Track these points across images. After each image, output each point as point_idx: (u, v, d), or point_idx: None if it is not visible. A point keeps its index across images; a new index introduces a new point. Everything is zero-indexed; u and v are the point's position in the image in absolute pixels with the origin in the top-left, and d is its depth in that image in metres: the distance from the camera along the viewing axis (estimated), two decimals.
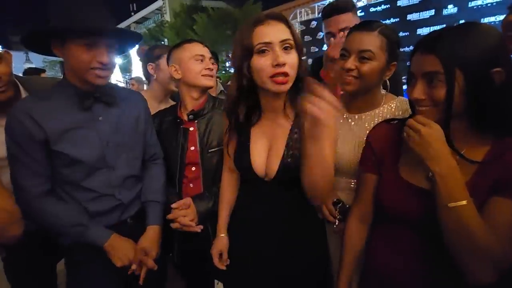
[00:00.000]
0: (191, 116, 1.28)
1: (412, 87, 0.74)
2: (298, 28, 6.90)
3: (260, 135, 1.00)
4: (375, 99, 1.06)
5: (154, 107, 1.50)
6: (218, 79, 2.26)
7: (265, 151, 0.98)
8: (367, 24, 1.00)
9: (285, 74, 0.84)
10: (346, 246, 0.95)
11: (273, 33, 0.84)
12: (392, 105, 1.05)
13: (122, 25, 34.54)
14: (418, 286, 0.79)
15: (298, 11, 7.87)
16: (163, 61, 1.60)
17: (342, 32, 1.43)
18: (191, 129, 1.28)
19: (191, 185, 1.28)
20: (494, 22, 3.74)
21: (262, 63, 0.84)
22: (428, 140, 0.69)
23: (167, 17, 24.07)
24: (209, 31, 13.76)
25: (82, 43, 0.93)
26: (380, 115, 1.04)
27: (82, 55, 0.94)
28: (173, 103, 1.74)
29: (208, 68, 1.28)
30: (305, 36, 6.58)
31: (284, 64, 0.83)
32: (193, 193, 1.27)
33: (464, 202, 0.65)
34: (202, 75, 1.27)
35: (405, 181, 0.81)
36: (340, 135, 1.08)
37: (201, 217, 1.21)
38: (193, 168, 1.27)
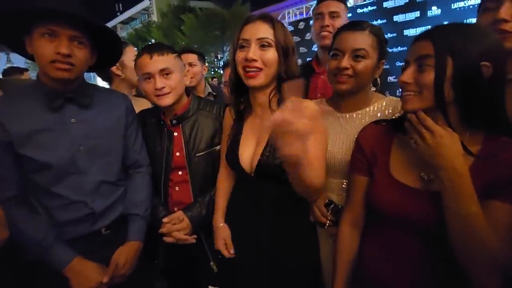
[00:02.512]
0: (174, 121, 1.21)
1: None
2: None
3: (250, 131, 1.04)
4: (366, 98, 1.07)
5: None
6: (213, 80, 2.23)
7: (253, 146, 1.00)
8: (357, 24, 1.01)
9: (257, 69, 0.92)
10: (340, 252, 0.94)
11: (253, 31, 0.93)
12: (382, 103, 1.06)
13: (108, 25, 33.88)
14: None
15: (286, 12, 7.90)
16: (126, 58, 1.52)
17: (329, 18, 1.51)
18: (176, 134, 1.22)
19: (176, 188, 1.23)
20: None
21: (238, 57, 0.95)
22: (439, 150, 0.68)
23: (154, 18, 23.79)
24: (196, 32, 13.65)
25: (41, 31, 0.87)
26: (371, 113, 1.05)
27: (42, 46, 0.88)
28: (141, 99, 1.66)
29: (157, 89, 1.12)
30: (294, 37, 6.57)
31: (254, 60, 0.91)
32: (179, 197, 1.22)
33: (474, 209, 0.65)
34: (155, 96, 1.14)
35: (397, 181, 0.81)
36: (331, 134, 1.08)
37: (194, 227, 1.18)
38: (180, 172, 1.22)
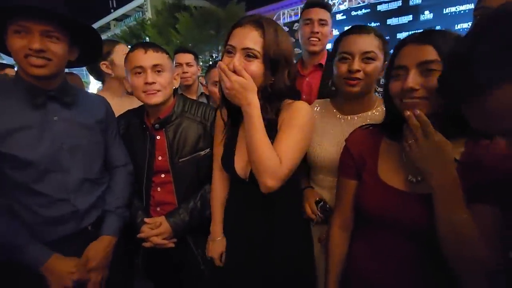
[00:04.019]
0: (157, 126, 1.17)
1: (404, 78, 0.74)
2: None
3: (244, 136, 1.00)
4: (370, 101, 1.10)
5: (119, 104, 1.42)
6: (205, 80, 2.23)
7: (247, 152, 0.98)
8: (362, 27, 1.04)
9: None
10: (331, 255, 0.95)
11: (240, 38, 0.86)
12: (383, 108, 1.07)
13: (101, 22, 33.48)
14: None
15: (281, 13, 7.92)
16: (116, 56, 1.51)
17: (318, 24, 1.57)
18: (158, 137, 1.19)
19: (158, 189, 1.21)
20: (467, 28, 3.91)
21: (224, 62, 0.87)
22: (432, 156, 0.68)
23: (149, 15, 23.57)
24: (191, 31, 13.56)
25: (14, 28, 0.87)
26: (373, 117, 1.07)
27: (15, 42, 0.87)
28: (132, 97, 1.67)
29: (147, 83, 1.09)
30: None
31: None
32: (161, 197, 1.21)
33: (463, 215, 0.66)
34: (143, 92, 1.11)
35: (385, 184, 0.81)
36: (331, 135, 1.11)
37: (177, 233, 1.17)
38: (163, 175, 1.20)
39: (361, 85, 1.02)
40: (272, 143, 0.87)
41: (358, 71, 1.00)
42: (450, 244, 0.68)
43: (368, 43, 1.00)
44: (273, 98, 0.91)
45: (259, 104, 0.84)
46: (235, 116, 1.00)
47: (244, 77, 0.82)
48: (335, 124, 1.12)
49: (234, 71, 0.84)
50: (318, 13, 1.58)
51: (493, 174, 0.67)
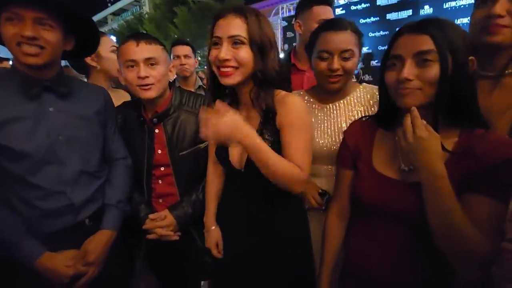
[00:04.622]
0: (155, 120, 1.17)
1: (400, 69, 0.73)
2: (280, 24, 6.88)
3: None
4: (347, 88, 1.18)
5: None
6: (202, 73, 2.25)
7: None
8: (338, 23, 1.08)
9: (232, 67, 0.87)
10: (326, 243, 0.98)
11: (224, 28, 0.87)
12: (359, 91, 1.18)
13: (99, 16, 33.11)
14: (397, 278, 0.79)
15: (280, 7, 7.86)
16: (102, 49, 1.46)
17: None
18: (157, 131, 1.18)
19: (159, 181, 1.21)
20: (467, 23, 3.89)
21: (211, 55, 0.89)
22: (418, 152, 0.69)
23: (146, 9, 23.35)
24: (190, 25, 13.45)
25: (6, 16, 0.85)
26: (352, 101, 1.17)
27: (8, 30, 0.86)
28: (120, 90, 1.63)
29: (140, 77, 1.07)
30: (287, 32, 6.56)
31: (227, 60, 0.86)
32: (162, 189, 1.21)
33: (452, 206, 0.66)
34: (138, 86, 1.09)
35: (379, 173, 0.83)
36: (315, 124, 1.16)
37: (181, 225, 1.17)
38: (162, 168, 1.20)
39: (341, 81, 1.10)
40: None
41: (338, 69, 1.06)
42: (440, 235, 0.69)
43: (346, 41, 1.05)
44: (266, 84, 0.90)
45: (254, 131, 0.84)
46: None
47: (227, 113, 0.79)
48: (318, 113, 1.19)
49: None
50: (327, 12, 1.56)
51: (486, 163, 0.67)
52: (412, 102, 0.73)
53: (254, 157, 0.84)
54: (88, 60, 1.51)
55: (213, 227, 1.11)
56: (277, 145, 0.91)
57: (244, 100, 0.99)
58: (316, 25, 1.56)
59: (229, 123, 0.79)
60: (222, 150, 1.02)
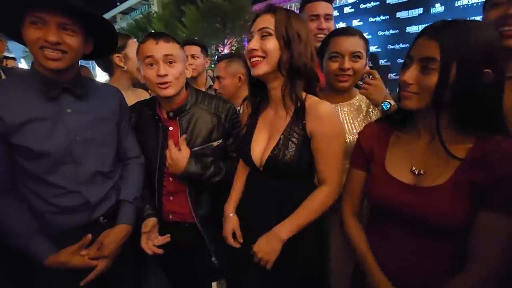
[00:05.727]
0: (171, 114, 1.19)
1: (405, 70, 0.75)
2: None
3: (263, 125, 1.06)
4: (351, 92, 1.30)
5: (125, 97, 1.43)
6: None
7: (265, 140, 1.02)
8: (348, 30, 1.21)
9: (259, 57, 0.96)
10: (355, 238, 0.92)
11: (257, 23, 0.98)
12: (360, 96, 1.28)
13: (107, 15, 33.40)
14: (408, 280, 0.80)
15: (288, 6, 7.83)
16: (129, 50, 1.52)
17: (324, 20, 1.61)
18: (171, 128, 1.20)
19: (170, 179, 1.23)
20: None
21: (246, 49, 0.99)
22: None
23: (155, 8, 23.48)
24: (198, 24, 13.48)
25: (30, 20, 0.87)
26: (356, 103, 1.29)
27: (31, 33, 0.88)
28: (139, 89, 1.68)
29: (160, 75, 1.09)
30: None
31: (254, 49, 0.96)
32: (173, 187, 1.22)
33: None
34: (157, 85, 1.11)
35: (391, 176, 0.84)
36: None
37: (184, 173, 1.16)
38: None
39: (351, 80, 1.20)
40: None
41: (348, 69, 1.16)
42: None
43: (355, 44, 1.18)
44: (294, 75, 0.96)
45: (281, 229, 0.96)
46: (257, 105, 1.08)
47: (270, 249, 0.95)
48: None
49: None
50: (325, 8, 1.58)
51: (494, 174, 0.65)
52: (409, 105, 0.74)
53: (301, 228, 0.96)
54: (116, 60, 1.57)
55: (231, 214, 1.13)
56: (302, 149, 0.94)
57: (274, 96, 1.03)
58: (310, 23, 1.61)
59: (269, 250, 0.93)
60: (244, 145, 1.05)
